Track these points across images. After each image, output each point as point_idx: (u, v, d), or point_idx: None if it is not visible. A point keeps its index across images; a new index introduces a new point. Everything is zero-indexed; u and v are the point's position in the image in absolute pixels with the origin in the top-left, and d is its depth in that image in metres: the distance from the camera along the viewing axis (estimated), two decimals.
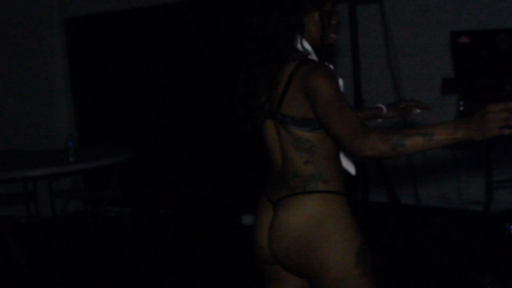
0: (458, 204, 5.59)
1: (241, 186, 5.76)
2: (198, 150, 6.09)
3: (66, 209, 6.23)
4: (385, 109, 2.58)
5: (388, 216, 5.13)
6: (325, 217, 2.11)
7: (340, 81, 2.09)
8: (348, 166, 2.29)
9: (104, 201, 5.84)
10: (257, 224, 2.28)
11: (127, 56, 6.43)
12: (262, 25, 2.13)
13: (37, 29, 6.71)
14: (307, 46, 2.18)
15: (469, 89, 4.57)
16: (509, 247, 4.56)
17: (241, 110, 2.24)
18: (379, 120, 2.57)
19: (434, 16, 5.51)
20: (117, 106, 6.59)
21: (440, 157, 5.60)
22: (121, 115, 6.56)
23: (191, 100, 6.11)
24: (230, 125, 2.30)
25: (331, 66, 2.11)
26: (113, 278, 4.78)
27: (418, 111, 2.49)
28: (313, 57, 2.18)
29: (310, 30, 2.18)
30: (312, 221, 2.11)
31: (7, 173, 5.07)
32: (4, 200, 5.84)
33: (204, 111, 6.06)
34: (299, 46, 2.18)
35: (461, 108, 4.62)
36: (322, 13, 2.17)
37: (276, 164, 2.23)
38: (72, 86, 6.89)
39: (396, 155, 1.87)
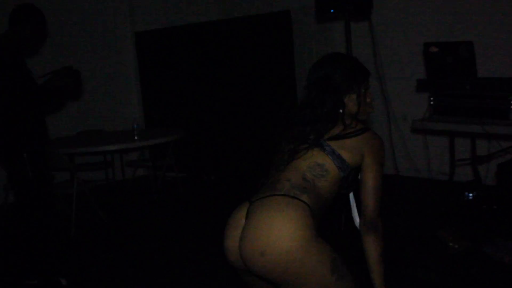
0: (427, 174, 5.42)
1: (263, 157, 5.66)
2: (231, 131, 6.04)
3: (135, 174, 6.23)
4: None
5: None
6: (304, 228, 1.75)
7: None
8: (356, 217, 2.12)
9: (163, 169, 5.77)
10: (231, 231, 1.91)
11: (183, 61, 6.36)
12: (320, 99, 2.02)
13: (115, 40, 6.67)
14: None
15: (438, 87, 4.36)
16: (467, 210, 4.32)
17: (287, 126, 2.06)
18: None
19: (411, 30, 5.36)
20: (174, 99, 6.55)
21: (415, 139, 5.44)
22: (177, 106, 6.53)
23: (227, 97, 6.09)
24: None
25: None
26: (168, 224, 4.81)
27: None
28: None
29: (350, 107, 2.05)
30: (295, 226, 1.74)
31: (91, 148, 5.03)
32: (88, 168, 5.78)
33: (237, 105, 6.06)
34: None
35: (432, 103, 4.41)
36: (358, 95, 2.04)
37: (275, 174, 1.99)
38: (141, 83, 6.83)
39: (374, 245, 1.90)
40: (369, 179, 1.92)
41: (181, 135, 5.40)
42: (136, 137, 5.15)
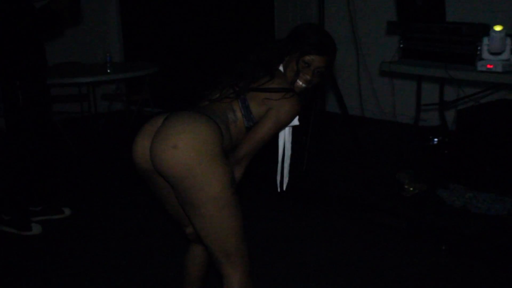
0: (392, 117, 5.36)
1: None
2: (209, 68, 5.91)
3: (110, 108, 6.13)
4: None
5: (340, 124, 4.98)
6: (216, 141, 1.79)
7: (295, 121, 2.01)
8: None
9: (138, 103, 5.68)
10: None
11: None
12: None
13: None
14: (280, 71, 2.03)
15: (408, 30, 4.25)
16: (430, 154, 4.31)
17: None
18: None
19: None
20: (153, 34, 6.45)
21: (383, 82, 5.35)
22: (156, 41, 6.44)
23: (206, 33, 6.03)
24: None
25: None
26: None
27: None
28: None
29: (289, 66, 2.01)
30: (209, 133, 1.79)
31: (62, 80, 4.97)
32: (63, 100, 5.66)
33: (215, 42, 6.01)
34: (280, 67, 2.03)
35: (401, 45, 4.32)
36: (298, 60, 1.98)
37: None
38: (122, 17, 6.67)
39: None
40: (259, 131, 1.91)
41: (156, 69, 5.30)
42: (108, 70, 5.08)
